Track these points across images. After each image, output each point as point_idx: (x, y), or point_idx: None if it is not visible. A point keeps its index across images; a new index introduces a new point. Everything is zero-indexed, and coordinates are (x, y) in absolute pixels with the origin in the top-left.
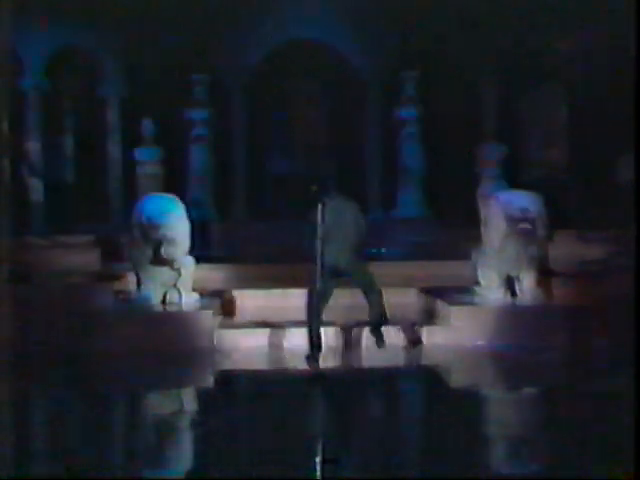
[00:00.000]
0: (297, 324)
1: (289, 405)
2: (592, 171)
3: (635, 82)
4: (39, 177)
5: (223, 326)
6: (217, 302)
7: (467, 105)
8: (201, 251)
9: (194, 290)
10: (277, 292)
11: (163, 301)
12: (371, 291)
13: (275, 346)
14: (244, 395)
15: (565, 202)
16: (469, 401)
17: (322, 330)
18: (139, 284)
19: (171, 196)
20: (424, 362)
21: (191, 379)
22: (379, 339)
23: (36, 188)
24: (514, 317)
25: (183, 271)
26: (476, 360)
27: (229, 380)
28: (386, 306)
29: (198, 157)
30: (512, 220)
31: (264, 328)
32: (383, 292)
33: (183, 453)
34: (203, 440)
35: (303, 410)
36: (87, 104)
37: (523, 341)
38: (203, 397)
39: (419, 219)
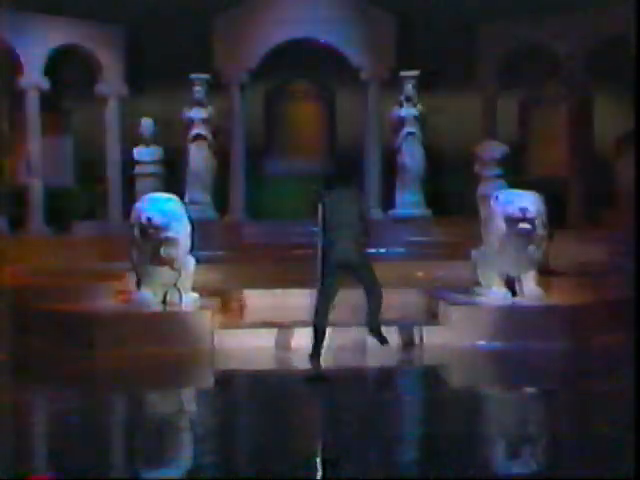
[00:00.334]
0: (299, 324)
1: (288, 405)
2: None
3: (635, 81)
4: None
5: (223, 326)
6: (217, 302)
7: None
8: (201, 251)
9: (194, 290)
10: (281, 292)
11: (163, 301)
12: (372, 290)
13: (278, 346)
14: (243, 395)
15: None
16: (468, 401)
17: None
18: (139, 284)
19: (171, 196)
20: (424, 362)
21: (190, 379)
22: (381, 338)
23: (36, 188)
24: (514, 317)
25: (183, 271)
26: (476, 360)
27: (228, 380)
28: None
29: (198, 157)
30: (512, 220)
31: (265, 328)
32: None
33: (182, 453)
34: (203, 440)
35: (302, 410)
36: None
37: (523, 341)
38: (202, 397)
39: (419, 219)
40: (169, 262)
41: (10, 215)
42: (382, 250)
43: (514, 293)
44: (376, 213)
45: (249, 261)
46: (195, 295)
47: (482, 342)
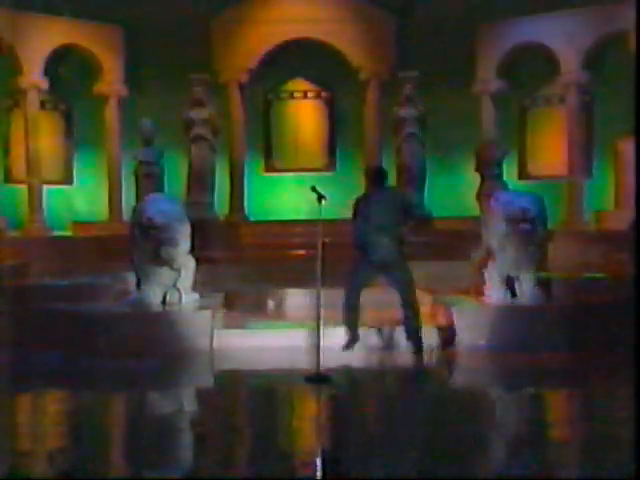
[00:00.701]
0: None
1: (288, 405)
2: None
3: (635, 81)
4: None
5: (224, 326)
6: (218, 302)
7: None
8: (201, 251)
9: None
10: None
11: (163, 301)
12: (408, 295)
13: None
14: (243, 395)
15: None
16: (468, 401)
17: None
18: (139, 284)
19: (171, 196)
20: (424, 363)
21: (190, 379)
22: (417, 347)
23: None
24: (514, 317)
25: (183, 271)
26: (475, 360)
27: (228, 380)
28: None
29: (198, 157)
30: (512, 220)
31: (266, 328)
32: (378, 293)
33: (182, 453)
34: (203, 440)
35: (301, 411)
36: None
37: (523, 341)
38: (202, 397)
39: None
40: (169, 262)
41: (10, 215)
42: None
43: (514, 293)
44: None
45: (249, 261)
46: (195, 295)
47: (482, 342)
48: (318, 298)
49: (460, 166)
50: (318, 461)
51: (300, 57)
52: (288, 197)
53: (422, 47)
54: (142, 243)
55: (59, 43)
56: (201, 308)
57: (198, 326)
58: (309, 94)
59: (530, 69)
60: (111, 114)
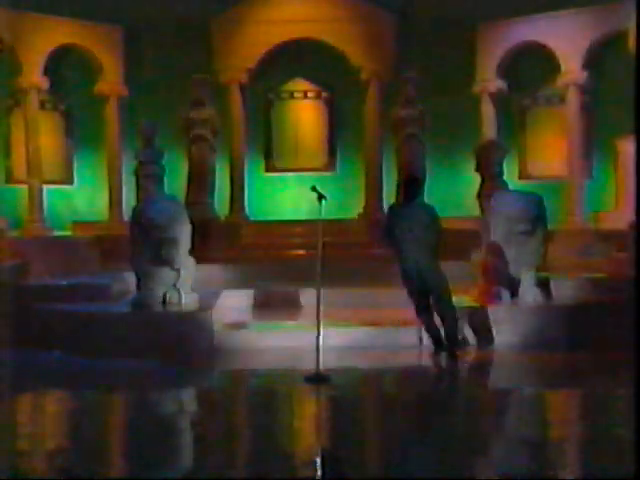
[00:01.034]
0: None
1: (288, 405)
2: None
3: (635, 81)
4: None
5: (224, 326)
6: (217, 301)
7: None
8: (201, 251)
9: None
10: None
11: (163, 301)
12: (442, 300)
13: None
14: (242, 395)
15: None
16: (468, 401)
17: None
18: (139, 284)
19: (171, 196)
20: (424, 363)
21: (190, 379)
22: (452, 357)
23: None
24: (514, 317)
25: (183, 271)
26: (475, 360)
27: (228, 380)
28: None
29: (198, 157)
30: (512, 220)
31: (266, 328)
32: (378, 293)
33: (182, 453)
34: (203, 440)
35: (301, 411)
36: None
37: (523, 341)
38: (202, 397)
39: None
40: (169, 262)
41: (10, 215)
42: (382, 250)
43: (514, 293)
44: (377, 213)
45: (249, 261)
46: (195, 295)
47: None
48: (318, 298)
49: (460, 166)
50: (318, 461)
51: (300, 57)
52: (288, 197)
53: (422, 47)
54: (142, 243)
55: (59, 43)
56: (201, 308)
57: (198, 326)
58: (309, 94)
59: (530, 69)
60: (111, 114)
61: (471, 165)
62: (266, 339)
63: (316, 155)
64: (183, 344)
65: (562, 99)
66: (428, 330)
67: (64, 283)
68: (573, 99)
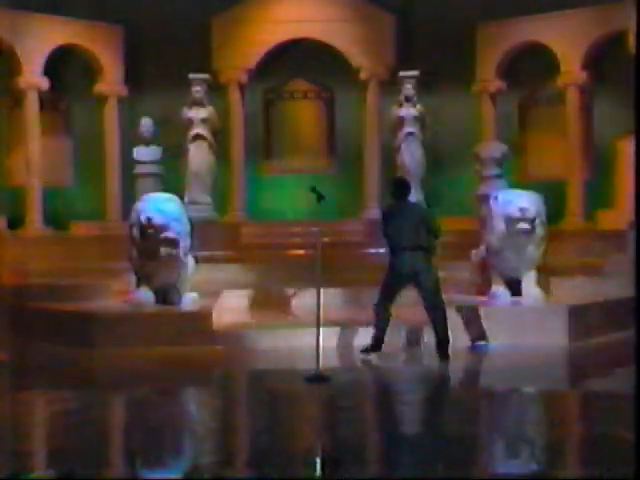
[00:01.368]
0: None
1: (288, 405)
2: None
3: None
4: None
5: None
6: (216, 302)
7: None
8: (201, 251)
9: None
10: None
11: (163, 301)
12: (434, 302)
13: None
14: (242, 395)
15: None
16: (468, 401)
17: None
18: (139, 284)
19: (171, 196)
20: (424, 363)
21: (190, 379)
22: (443, 356)
23: (36, 188)
24: (514, 317)
25: (183, 271)
26: (475, 360)
27: (228, 380)
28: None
29: (198, 157)
30: (512, 220)
31: (266, 328)
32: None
33: (182, 453)
34: (203, 440)
35: (302, 410)
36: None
37: (523, 341)
38: (202, 397)
39: None
40: (169, 262)
41: (10, 215)
42: (382, 250)
43: (514, 293)
44: (376, 213)
45: (249, 261)
46: (195, 295)
47: (482, 342)
48: (318, 298)
49: (460, 166)
50: (318, 461)
51: (300, 57)
52: (288, 197)
53: (422, 47)
54: (141, 243)
55: (59, 43)
56: (201, 308)
57: (198, 326)
58: (309, 94)
59: (530, 69)
60: (111, 114)
61: (471, 165)
62: (266, 339)
63: (316, 155)
64: (183, 344)
65: (562, 99)
66: (377, 327)
67: (64, 283)
68: (573, 99)
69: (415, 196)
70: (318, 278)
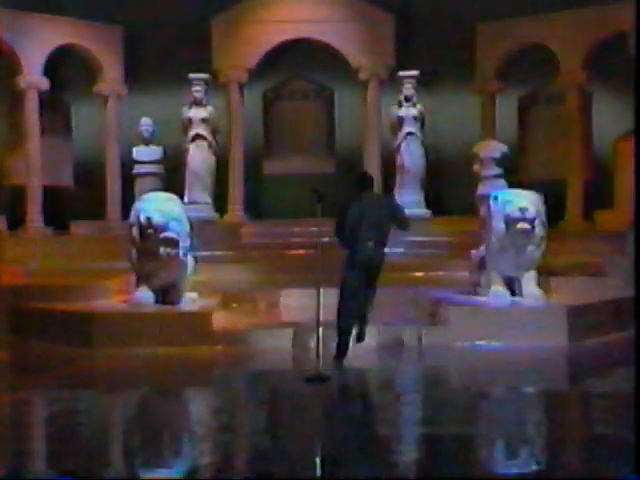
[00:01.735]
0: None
1: (288, 405)
2: None
3: (635, 81)
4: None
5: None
6: (216, 302)
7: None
8: (201, 251)
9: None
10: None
11: (163, 301)
12: (372, 297)
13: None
14: (242, 395)
15: None
16: (468, 401)
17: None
18: (139, 284)
19: (171, 196)
20: (424, 363)
21: (190, 379)
22: (362, 335)
23: (36, 188)
24: (514, 317)
25: (183, 271)
26: (475, 360)
27: (228, 380)
28: None
29: (198, 157)
30: (511, 220)
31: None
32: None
33: (182, 453)
34: (203, 440)
35: (302, 410)
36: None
37: (523, 341)
38: (202, 397)
39: (419, 219)
40: (169, 262)
41: (10, 215)
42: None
43: (514, 293)
44: None
45: (249, 261)
46: (195, 295)
47: (482, 342)
48: (318, 298)
49: (460, 166)
50: (318, 461)
51: (300, 57)
52: (288, 197)
53: (422, 47)
54: (141, 243)
55: (59, 43)
56: (201, 308)
57: (198, 326)
58: (309, 94)
59: (530, 69)
60: (111, 114)
61: (471, 165)
62: (266, 339)
63: (316, 155)
64: (183, 344)
65: (562, 99)
66: (347, 328)
67: (64, 283)
68: (573, 99)
69: (415, 196)
70: (318, 278)
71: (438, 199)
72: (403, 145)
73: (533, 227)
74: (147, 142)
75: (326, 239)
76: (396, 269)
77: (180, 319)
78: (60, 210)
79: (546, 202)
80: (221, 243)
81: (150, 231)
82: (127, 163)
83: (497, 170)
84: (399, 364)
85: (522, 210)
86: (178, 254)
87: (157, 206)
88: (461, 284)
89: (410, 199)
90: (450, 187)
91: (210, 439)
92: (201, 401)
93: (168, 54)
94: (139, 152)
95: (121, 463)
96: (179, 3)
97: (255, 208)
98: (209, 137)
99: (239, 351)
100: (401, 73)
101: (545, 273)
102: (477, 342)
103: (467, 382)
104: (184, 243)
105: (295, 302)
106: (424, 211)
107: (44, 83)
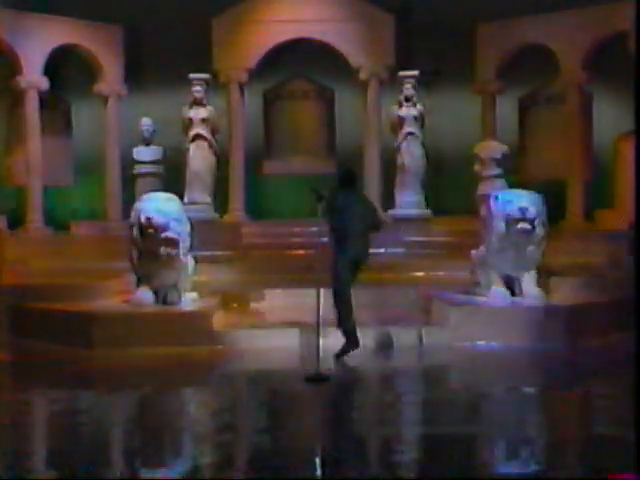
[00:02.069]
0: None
1: (288, 405)
2: None
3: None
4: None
5: (223, 326)
6: (216, 302)
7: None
8: (201, 251)
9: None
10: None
11: (163, 301)
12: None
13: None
14: (243, 395)
15: None
16: (468, 401)
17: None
18: (139, 284)
19: (171, 196)
20: (424, 363)
21: (190, 379)
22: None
23: (36, 188)
24: (514, 317)
25: (183, 271)
26: (475, 360)
27: (228, 380)
28: None
29: (198, 157)
30: (512, 220)
31: (265, 328)
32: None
33: (182, 453)
34: (203, 440)
35: (301, 411)
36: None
37: (523, 341)
38: (202, 397)
39: (419, 219)
40: (169, 262)
41: (10, 215)
42: (382, 250)
43: (514, 293)
44: None
45: (249, 261)
46: (195, 295)
47: (482, 342)
48: (318, 298)
49: (460, 166)
50: (318, 461)
51: (300, 57)
52: (288, 197)
53: (422, 47)
54: (141, 243)
55: (59, 43)
56: (201, 308)
57: (198, 326)
58: (309, 94)
59: (530, 69)
60: (111, 114)
61: (471, 165)
62: (266, 339)
63: (316, 155)
64: (183, 344)
65: (562, 99)
66: (347, 322)
67: (64, 283)
68: (573, 99)
69: (415, 196)
70: (318, 278)
71: (438, 199)
72: (403, 145)
73: (533, 227)
74: (147, 142)
75: (326, 239)
76: (396, 269)
77: (180, 319)
78: (60, 210)
79: (546, 202)
80: (221, 243)
81: (150, 231)
82: (127, 163)
83: (497, 170)
84: (399, 364)
85: (522, 210)
86: (178, 254)
87: (157, 206)
88: (461, 284)
89: (410, 199)
90: (450, 187)
91: (210, 439)
92: (201, 401)
93: (168, 54)
94: (139, 152)
95: (121, 463)
96: (179, 3)
97: (255, 208)
98: (209, 137)
99: (239, 351)
100: (401, 73)
101: (545, 273)
102: (477, 342)
103: (467, 382)
104: (184, 243)
105: (295, 302)
106: (424, 211)
107: (44, 83)
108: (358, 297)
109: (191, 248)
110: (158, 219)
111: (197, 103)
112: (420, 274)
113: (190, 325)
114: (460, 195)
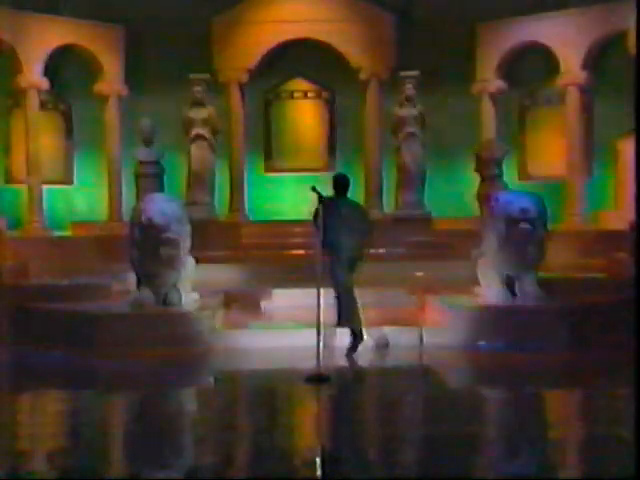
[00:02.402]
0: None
1: (288, 405)
2: None
3: (635, 81)
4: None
5: (224, 326)
6: (217, 302)
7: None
8: (201, 251)
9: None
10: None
11: (163, 301)
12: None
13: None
14: (243, 395)
15: None
16: (468, 401)
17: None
18: (139, 284)
19: (171, 196)
20: (424, 363)
21: (190, 379)
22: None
23: (36, 188)
24: (514, 317)
25: (183, 271)
26: (475, 360)
27: (228, 380)
28: None
29: (198, 157)
30: (512, 220)
31: (265, 328)
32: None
33: (182, 453)
34: (203, 440)
35: (301, 411)
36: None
37: (523, 341)
38: (202, 397)
39: (419, 219)
40: (169, 262)
41: (10, 215)
42: (382, 250)
43: (514, 293)
44: (376, 213)
45: (249, 261)
46: (195, 295)
47: (482, 342)
48: (318, 298)
49: (460, 166)
50: (318, 461)
51: (300, 57)
52: (288, 197)
53: (422, 47)
54: (142, 243)
55: (59, 43)
56: (201, 308)
57: (198, 326)
58: (309, 94)
59: (530, 69)
60: (111, 114)
61: (471, 165)
62: (266, 339)
63: (316, 155)
64: (183, 344)
65: (562, 99)
66: (359, 325)
67: (64, 283)
68: (573, 99)
69: (415, 196)
70: (318, 278)
71: (438, 199)
72: (404, 145)
73: (534, 227)
74: (147, 142)
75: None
76: (396, 269)
77: (181, 319)
78: (60, 210)
79: (546, 202)
80: (221, 243)
81: (151, 231)
82: (127, 163)
83: (497, 170)
84: (398, 364)
85: (523, 210)
86: (179, 254)
87: (158, 207)
88: (461, 284)
89: (410, 199)
90: (450, 187)
91: (210, 439)
92: (201, 401)
93: (168, 54)
94: (139, 152)
95: (121, 463)
96: (179, 3)
97: (255, 208)
98: (209, 137)
99: (239, 351)
100: (402, 73)
101: (545, 273)
102: (477, 342)
103: (467, 382)
104: (185, 244)
105: (295, 302)
106: (424, 211)
107: (44, 83)
108: (358, 297)
109: (191, 248)
110: (159, 219)
111: (197, 103)
112: (420, 274)
113: (190, 325)
114: (460, 195)
